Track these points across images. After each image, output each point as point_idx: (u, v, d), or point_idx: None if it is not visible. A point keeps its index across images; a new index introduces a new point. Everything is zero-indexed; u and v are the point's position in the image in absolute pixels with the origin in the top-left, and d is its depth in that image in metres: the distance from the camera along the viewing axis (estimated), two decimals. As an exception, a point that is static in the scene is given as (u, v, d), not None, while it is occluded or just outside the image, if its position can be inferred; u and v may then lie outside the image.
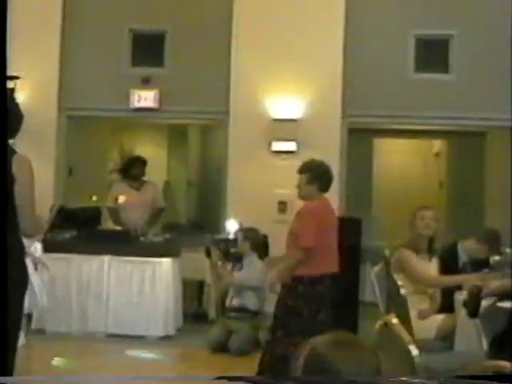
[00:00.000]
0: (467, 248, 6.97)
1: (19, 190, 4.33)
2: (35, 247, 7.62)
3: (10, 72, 8.78)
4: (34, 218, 4.50)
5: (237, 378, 2.35)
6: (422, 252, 6.58)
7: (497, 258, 6.66)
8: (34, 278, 7.24)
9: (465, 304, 5.82)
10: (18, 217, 4.36)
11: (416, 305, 6.29)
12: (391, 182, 13.16)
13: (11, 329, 4.30)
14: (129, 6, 10.58)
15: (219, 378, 2.32)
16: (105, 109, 10.63)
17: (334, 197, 9.95)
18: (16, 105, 4.75)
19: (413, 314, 6.18)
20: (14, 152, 4.42)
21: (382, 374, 2.13)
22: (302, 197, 6.65)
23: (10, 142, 4.51)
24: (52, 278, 7.88)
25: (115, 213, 9.82)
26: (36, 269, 7.35)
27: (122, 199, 9.61)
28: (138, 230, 9.24)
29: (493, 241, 6.98)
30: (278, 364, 6.26)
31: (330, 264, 6.52)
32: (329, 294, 6.49)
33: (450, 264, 6.69)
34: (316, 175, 6.52)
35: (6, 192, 4.18)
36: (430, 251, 6.62)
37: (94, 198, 10.99)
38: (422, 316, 6.32)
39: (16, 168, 4.34)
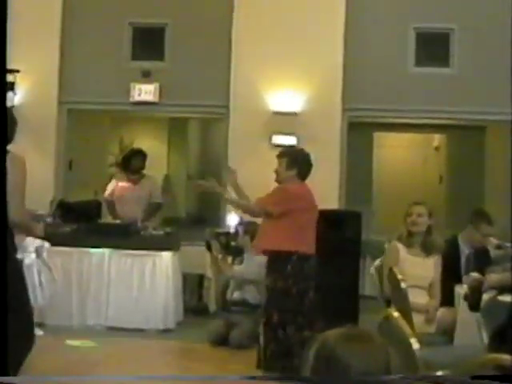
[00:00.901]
0: (466, 238, 6.96)
1: (10, 185, 4.35)
2: (43, 246, 7.65)
3: (10, 66, 8.80)
4: (20, 207, 4.66)
5: (260, 378, 2.35)
6: (414, 247, 6.57)
7: (498, 251, 6.66)
8: (35, 272, 7.27)
9: (466, 297, 5.83)
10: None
11: (414, 299, 6.27)
12: (391, 175, 13.16)
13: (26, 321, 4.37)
14: (129, -1, 10.58)
15: (244, 377, 2.32)
16: (105, 102, 10.62)
17: (334, 191, 10.01)
18: (10, 110, 4.86)
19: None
20: (7, 151, 4.51)
21: (392, 370, 2.13)
22: (279, 182, 6.56)
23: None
24: (52, 277, 7.87)
25: (111, 205, 9.85)
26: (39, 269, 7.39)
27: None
28: (134, 224, 9.24)
29: (482, 216, 7.01)
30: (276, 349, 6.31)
31: (312, 245, 6.54)
32: (313, 275, 6.53)
33: (451, 259, 6.68)
34: (295, 160, 6.47)
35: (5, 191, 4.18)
36: (426, 247, 6.59)
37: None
38: (428, 320, 6.32)
39: (9, 165, 4.37)
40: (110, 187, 9.96)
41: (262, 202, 6.45)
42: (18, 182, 4.60)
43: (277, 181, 6.59)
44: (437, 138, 13.57)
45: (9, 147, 4.62)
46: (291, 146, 6.69)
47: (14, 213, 4.48)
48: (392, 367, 2.13)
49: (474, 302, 5.63)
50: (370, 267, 7.09)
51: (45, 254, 7.72)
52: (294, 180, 6.45)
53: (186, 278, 9.57)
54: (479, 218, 7.00)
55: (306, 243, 6.48)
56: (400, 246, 6.56)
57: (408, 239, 6.58)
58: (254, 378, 2.36)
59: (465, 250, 6.81)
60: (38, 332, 7.76)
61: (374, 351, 2.14)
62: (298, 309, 6.38)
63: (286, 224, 6.31)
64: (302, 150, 6.71)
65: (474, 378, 2.12)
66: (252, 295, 8.47)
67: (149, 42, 10.61)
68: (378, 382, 2.07)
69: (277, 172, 6.53)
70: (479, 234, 6.84)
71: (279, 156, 6.55)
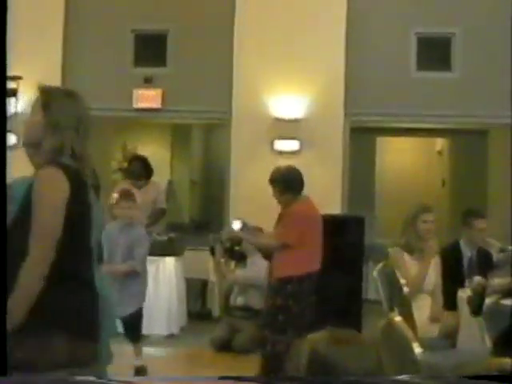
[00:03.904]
0: (466, 241, 6.90)
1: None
2: None
3: (12, 73, 8.79)
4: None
5: (238, 378, 2.35)
6: (416, 253, 6.55)
7: (501, 255, 6.66)
8: None
9: (469, 301, 5.83)
10: None
11: (417, 303, 6.28)
12: (394, 180, 13.17)
13: None
14: (131, 6, 10.59)
15: (222, 377, 2.31)
16: (108, 109, 10.62)
17: (336, 195, 10.02)
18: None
19: (417, 314, 6.16)
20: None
21: (382, 369, 2.13)
22: (279, 203, 6.68)
23: None
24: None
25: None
26: None
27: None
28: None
29: (472, 213, 7.02)
30: (271, 362, 6.32)
31: (314, 262, 6.61)
32: (313, 290, 6.60)
33: (453, 263, 6.67)
34: (286, 184, 6.56)
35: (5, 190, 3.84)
36: (426, 252, 6.58)
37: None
38: (433, 319, 6.32)
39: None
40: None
41: (279, 235, 6.54)
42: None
43: (278, 203, 6.69)
44: (439, 143, 13.57)
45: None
46: (277, 169, 6.71)
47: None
48: (382, 367, 2.13)
49: (476, 306, 5.64)
50: (373, 271, 7.09)
51: None
52: (293, 200, 6.53)
53: (189, 283, 9.58)
54: (470, 216, 6.97)
55: (314, 262, 6.57)
56: (403, 251, 6.55)
57: (412, 245, 6.56)
58: (239, 378, 2.35)
59: (467, 253, 6.79)
60: None
61: (363, 352, 2.14)
62: (297, 326, 6.38)
63: (299, 249, 6.40)
64: (289, 169, 6.76)
65: (473, 378, 2.12)
66: (255, 300, 8.47)
67: (151, 49, 10.64)
68: None
69: (274, 197, 6.65)
70: (474, 231, 6.81)
71: (270, 182, 6.63)
